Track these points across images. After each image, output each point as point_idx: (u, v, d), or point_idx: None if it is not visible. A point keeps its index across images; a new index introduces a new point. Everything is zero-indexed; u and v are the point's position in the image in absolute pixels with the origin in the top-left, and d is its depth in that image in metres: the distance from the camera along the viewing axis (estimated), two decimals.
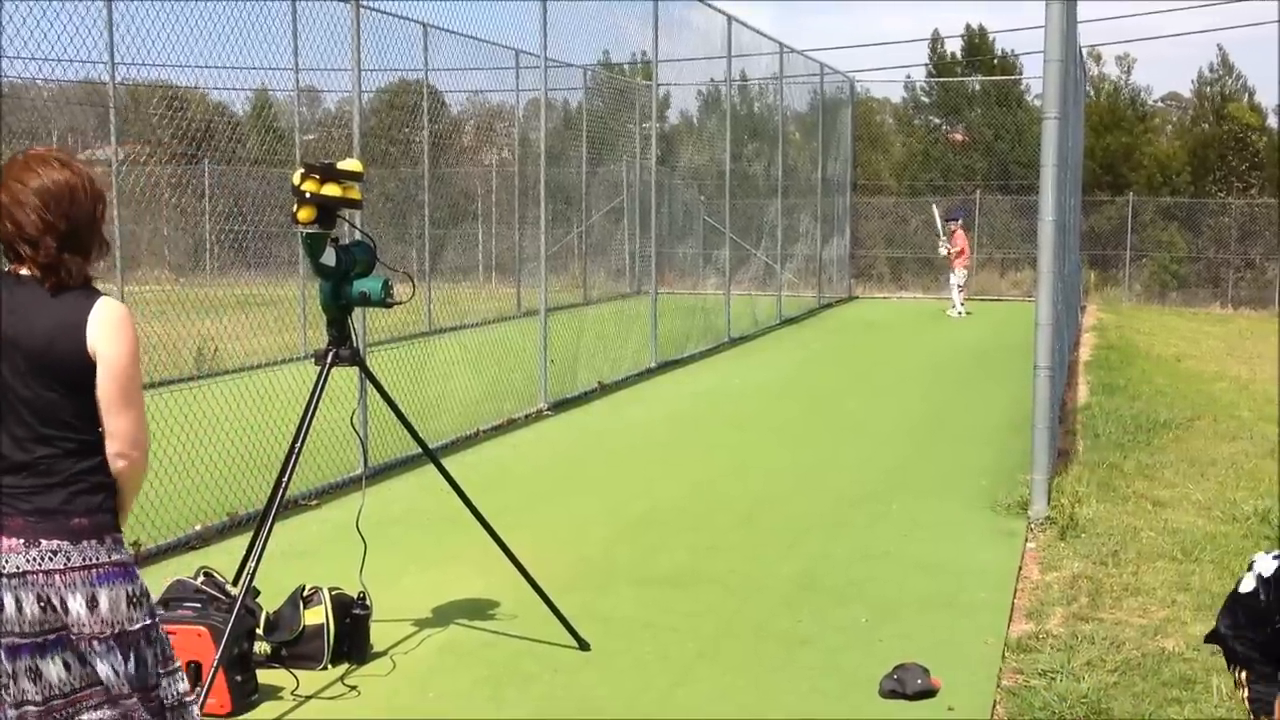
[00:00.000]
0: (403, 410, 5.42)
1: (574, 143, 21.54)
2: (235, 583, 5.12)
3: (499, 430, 10.65)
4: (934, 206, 23.40)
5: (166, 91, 14.86)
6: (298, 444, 4.96)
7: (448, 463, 5.79)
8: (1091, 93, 29.94)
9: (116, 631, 3.06)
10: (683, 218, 21.53)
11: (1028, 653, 5.42)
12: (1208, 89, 31.61)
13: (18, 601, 2.98)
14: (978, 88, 31.04)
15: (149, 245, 19.40)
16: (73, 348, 3.01)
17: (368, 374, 5.24)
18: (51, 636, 3.02)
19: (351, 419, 6.37)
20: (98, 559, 3.06)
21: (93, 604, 3.03)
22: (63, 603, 3.00)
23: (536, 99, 18.50)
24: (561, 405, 11.86)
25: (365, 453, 7.27)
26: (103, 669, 3.05)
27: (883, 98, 34.64)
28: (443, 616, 5.87)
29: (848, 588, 6.40)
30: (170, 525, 6.95)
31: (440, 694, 5.02)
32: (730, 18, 17.38)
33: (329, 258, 4.94)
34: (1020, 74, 31.24)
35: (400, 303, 5.15)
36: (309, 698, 4.95)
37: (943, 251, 22.23)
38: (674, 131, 23.31)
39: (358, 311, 5.63)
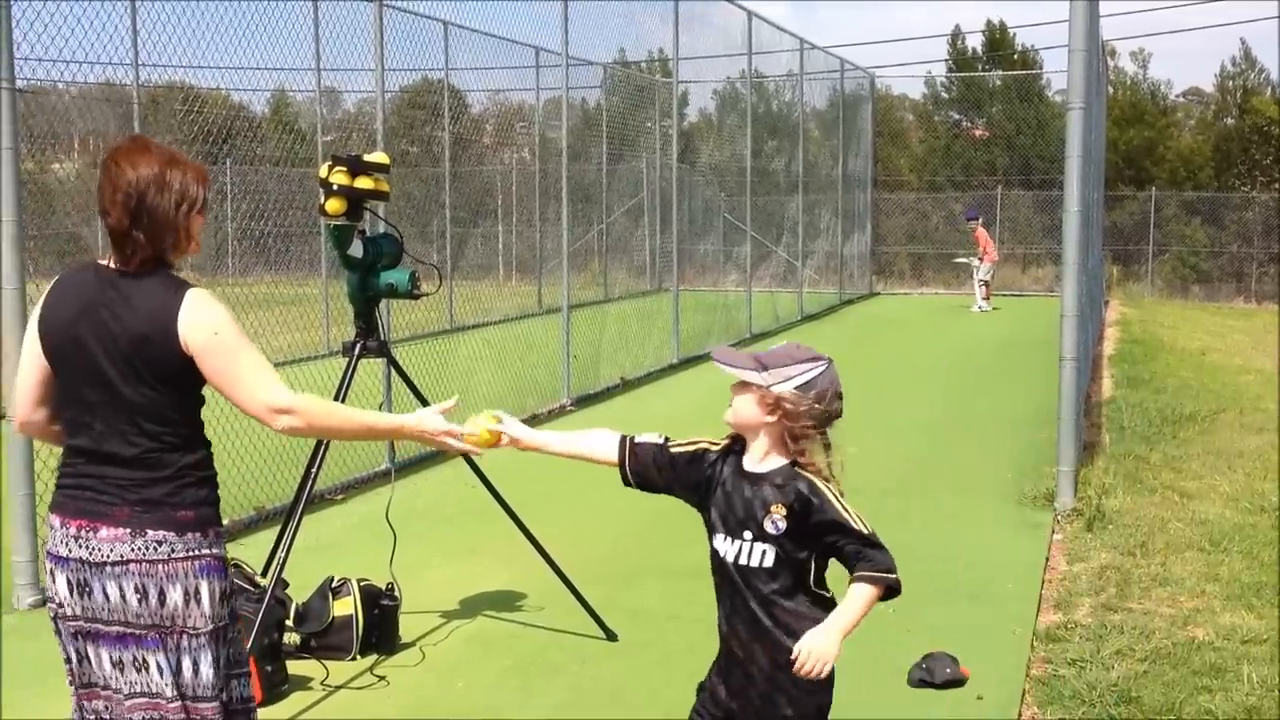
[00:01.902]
0: (429, 402, 5.42)
1: (594, 140, 21.56)
2: (264, 574, 5.14)
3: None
4: (956, 261, 23.54)
5: (187, 92, 14.94)
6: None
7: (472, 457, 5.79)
8: (1111, 89, 29.81)
9: (211, 628, 3.05)
10: (703, 215, 21.51)
11: (1056, 642, 5.40)
12: (1230, 83, 31.42)
13: (120, 590, 2.99)
14: (998, 83, 30.93)
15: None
16: (167, 345, 2.99)
17: (395, 365, 5.25)
18: (147, 632, 3.02)
19: (380, 411, 6.38)
20: (200, 551, 3.04)
21: (193, 596, 3.02)
22: (161, 594, 3.00)
23: (556, 97, 18.53)
24: (585, 400, 11.88)
25: (393, 444, 7.29)
26: (186, 669, 3.04)
27: (901, 94, 34.61)
28: (470, 608, 5.89)
29: None
30: None
31: (468, 684, 5.03)
32: (750, 13, 17.36)
33: (356, 249, 4.96)
34: (1040, 69, 31.15)
35: (427, 294, 5.17)
36: (338, 688, 4.97)
37: (974, 263, 22.23)
38: (694, 128, 23.30)
39: (382, 306, 5.65)
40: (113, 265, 3.05)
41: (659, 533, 7.30)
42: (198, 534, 3.05)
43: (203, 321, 3.00)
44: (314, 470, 4.98)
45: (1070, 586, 6.19)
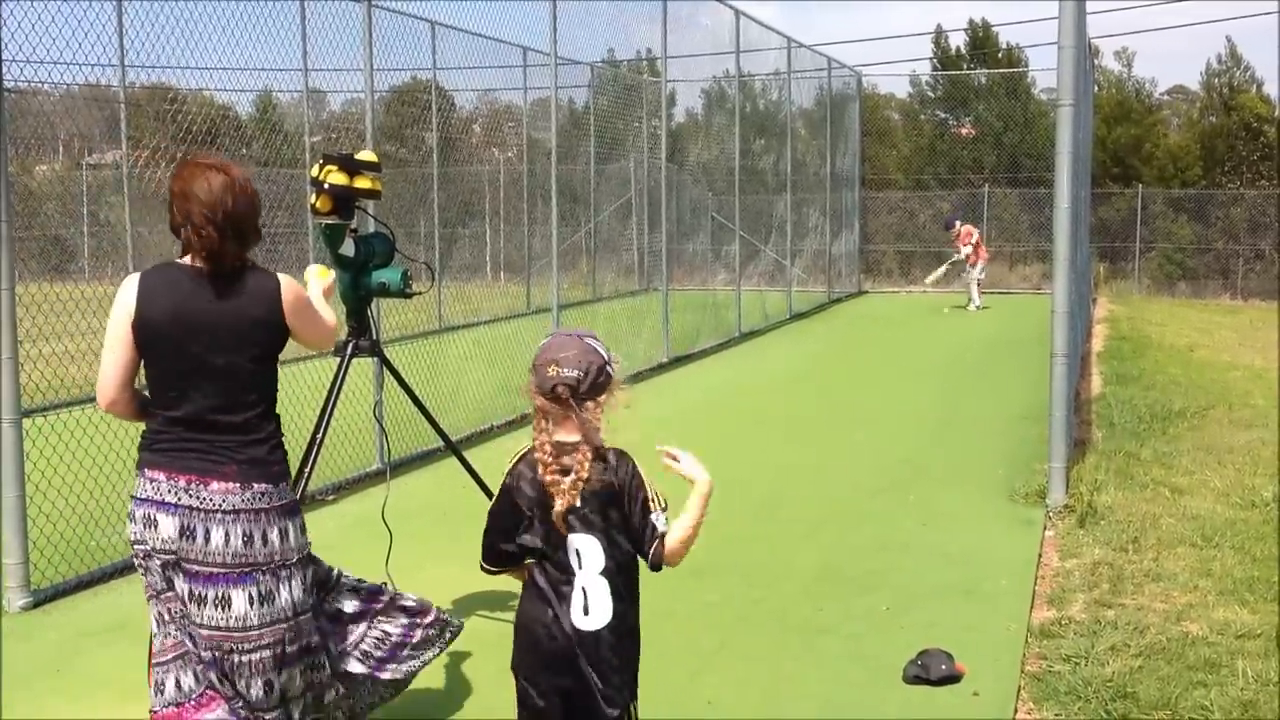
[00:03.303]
0: (422, 402, 5.42)
1: (582, 140, 21.55)
2: None
3: (513, 425, 10.64)
4: (933, 273, 23.34)
5: (171, 94, 14.89)
6: (319, 435, 4.96)
7: (466, 457, 5.78)
8: (1096, 87, 29.88)
9: (298, 557, 3.69)
10: (691, 214, 21.52)
11: (1051, 638, 5.40)
12: (1216, 80, 31.51)
13: (226, 535, 3.55)
14: (983, 81, 30.98)
15: (157, 247, 19.42)
16: (275, 323, 3.68)
17: (387, 364, 5.24)
18: (246, 570, 3.58)
19: (374, 410, 6.37)
20: (286, 498, 3.70)
21: (285, 534, 3.65)
22: (264, 535, 3.60)
23: (544, 97, 18.50)
24: None
25: (386, 443, 7.27)
26: (283, 595, 3.63)
27: (888, 93, 34.63)
28: (464, 608, 5.87)
29: (868, 577, 6.39)
30: None
31: (463, 684, 5.02)
32: (738, 12, 17.36)
33: (348, 248, 4.94)
34: (1025, 66, 31.20)
35: (419, 293, 5.15)
36: None
37: (964, 250, 22.06)
38: (682, 128, 23.30)
39: (373, 305, 5.63)
40: (202, 267, 3.60)
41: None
42: (284, 484, 3.71)
43: (293, 295, 3.73)
44: (308, 470, 4.96)
45: (1063, 583, 6.20)
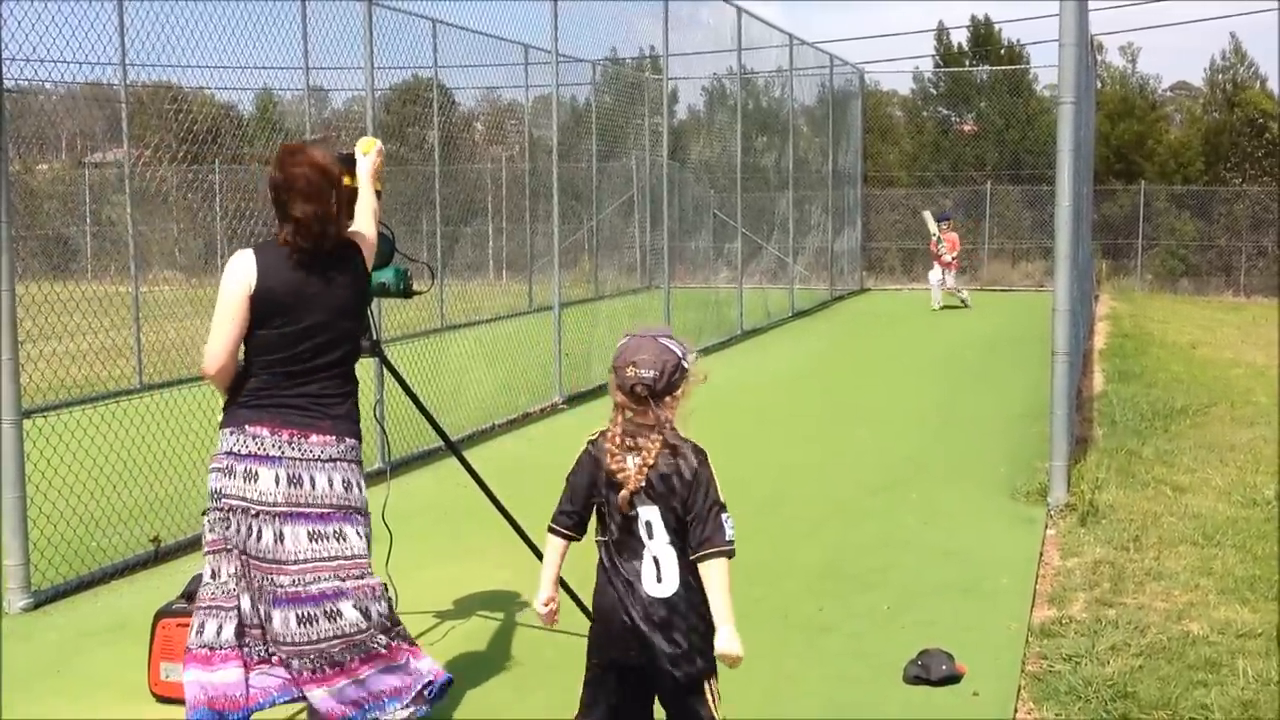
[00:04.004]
0: (423, 402, 5.41)
1: (584, 138, 21.52)
2: None
3: (514, 424, 10.66)
4: (926, 212, 23.20)
5: (174, 93, 14.89)
6: None
7: (465, 456, 5.78)
8: (1100, 83, 29.83)
9: (367, 509, 4.11)
10: (693, 212, 21.50)
11: (1051, 638, 5.40)
12: (1219, 76, 31.45)
13: (329, 479, 3.95)
14: (985, 78, 30.94)
15: (159, 246, 19.43)
16: (365, 280, 4.19)
17: (388, 365, 5.22)
18: (351, 511, 3.99)
19: (374, 410, 6.37)
20: (361, 455, 4.12)
21: (361, 485, 4.07)
22: (357, 483, 4.03)
23: (546, 95, 18.48)
24: (577, 399, 11.86)
25: (386, 443, 7.27)
26: (360, 534, 4.02)
27: (890, 90, 34.58)
28: (465, 608, 5.87)
29: (869, 575, 6.39)
30: (191, 521, 6.96)
31: (463, 684, 5.01)
32: (740, 9, 17.35)
33: None
34: (1027, 63, 31.16)
35: (420, 293, 5.13)
36: None
37: (946, 258, 21.77)
38: (684, 125, 23.28)
39: (374, 305, 5.61)
40: (306, 246, 3.95)
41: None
42: (360, 439, 4.12)
43: (368, 249, 4.24)
44: None
45: (1064, 582, 6.19)
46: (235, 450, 3.91)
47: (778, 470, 8.86)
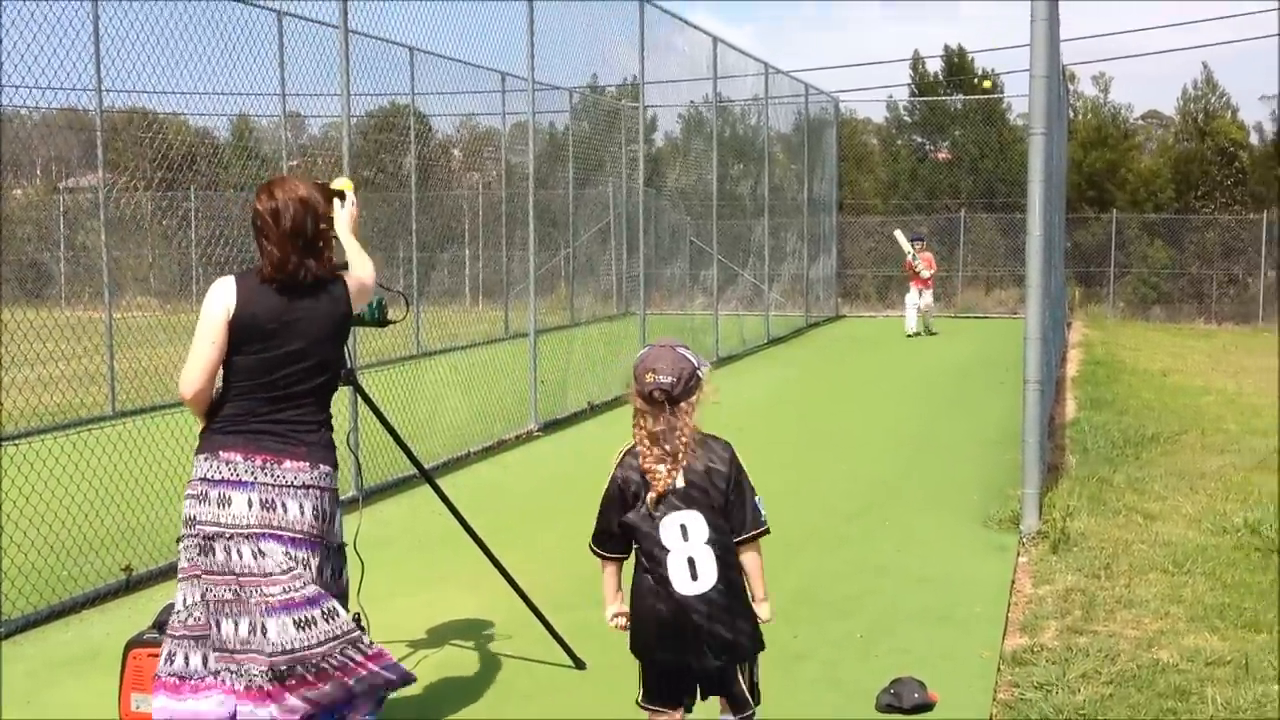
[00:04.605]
0: (397, 432, 5.41)
1: (561, 165, 21.59)
2: None
3: (490, 451, 10.65)
4: (897, 231, 23.42)
5: (149, 119, 14.87)
6: None
7: (439, 484, 5.78)
8: (1073, 113, 30.12)
9: (339, 543, 4.12)
10: (670, 238, 21.58)
11: (1023, 665, 5.42)
12: (1191, 106, 31.81)
13: (300, 506, 3.93)
14: (959, 106, 31.19)
15: (134, 271, 19.37)
16: (346, 316, 4.16)
17: (362, 394, 5.22)
18: (317, 540, 3.97)
19: (347, 439, 6.35)
20: (336, 484, 4.10)
21: (335, 518, 4.06)
22: (329, 514, 4.02)
23: (522, 121, 18.53)
24: (552, 426, 11.86)
25: (360, 473, 7.26)
26: (328, 572, 4.01)
27: (864, 118, 34.83)
28: (438, 637, 5.86)
29: (843, 602, 6.41)
30: (164, 550, 6.93)
31: (436, 714, 5.00)
32: (716, 39, 17.47)
33: None
34: (1001, 93, 31.44)
35: (394, 322, 5.14)
36: None
37: (925, 274, 21.93)
38: (660, 153, 23.38)
39: (349, 333, 5.61)
40: (283, 276, 3.98)
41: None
42: (337, 469, 4.11)
43: (355, 286, 4.23)
44: None
45: (1036, 609, 6.22)
46: (209, 476, 3.92)
47: None
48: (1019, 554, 7.28)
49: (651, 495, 3.69)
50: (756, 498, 3.76)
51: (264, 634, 3.87)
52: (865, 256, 29.97)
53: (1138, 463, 9.84)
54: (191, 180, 15.81)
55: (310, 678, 3.92)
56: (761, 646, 3.82)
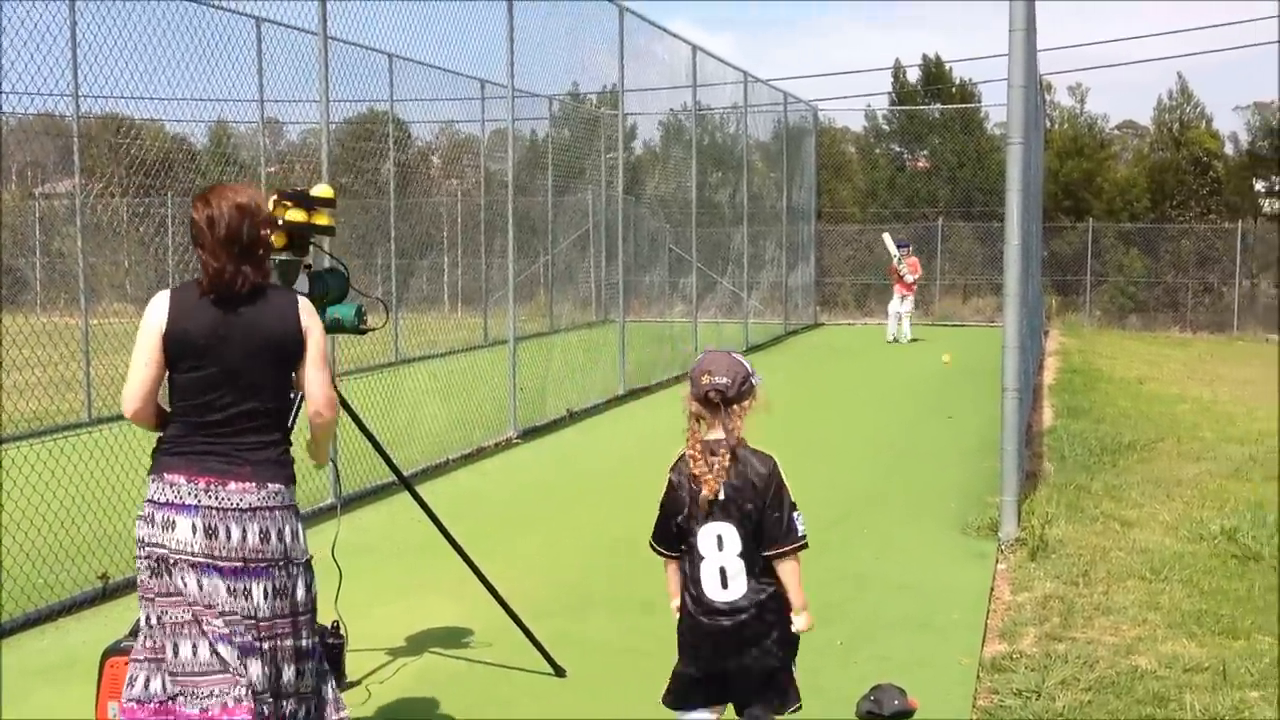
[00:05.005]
0: (376, 438, 5.40)
1: (540, 172, 21.58)
2: None
3: (469, 459, 10.62)
4: (885, 235, 23.54)
5: (124, 124, 14.80)
6: None
7: (418, 491, 5.76)
8: (1049, 122, 30.30)
9: (306, 558, 3.94)
10: (649, 246, 21.60)
11: (1002, 672, 5.44)
12: (1166, 116, 32.03)
13: (244, 531, 3.78)
14: (937, 115, 31.33)
15: (110, 278, 19.26)
16: (295, 335, 3.90)
17: (341, 401, 5.20)
18: (263, 565, 3.80)
19: None
20: (293, 500, 3.93)
21: (296, 534, 3.90)
22: (279, 533, 3.84)
23: (501, 129, 18.51)
24: (531, 433, 11.85)
25: (338, 480, 7.23)
26: (299, 592, 3.89)
27: (842, 126, 34.95)
28: (417, 645, 5.84)
29: (823, 609, 6.37)
30: None
31: None
32: (695, 47, 17.50)
33: (302, 285, 4.91)
34: (979, 102, 31.60)
35: (374, 329, 5.13)
36: None
37: (910, 279, 22.14)
38: (639, 160, 23.40)
39: (329, 339, 5.60)
40: (218, 287, 3.82)
41: (609, 566, 7.29)
42: (293, 486, 3.94)
43: (313, 318, 3.98)
44: None
45: (1015, 616, 6.24)
46: (155, 498, 3.82)
47: None
48: (998, 561, 7.30)
49: (704, 495, 3.82)
50: (796, 512, 3.86)
51: (222, 660, 3.77)
52: (844, 264, 30.06)
53: (1115, 470, 9.88)
54: (168, 186, 15.72)
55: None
56: (793, 651, 3.95)
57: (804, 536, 3.87)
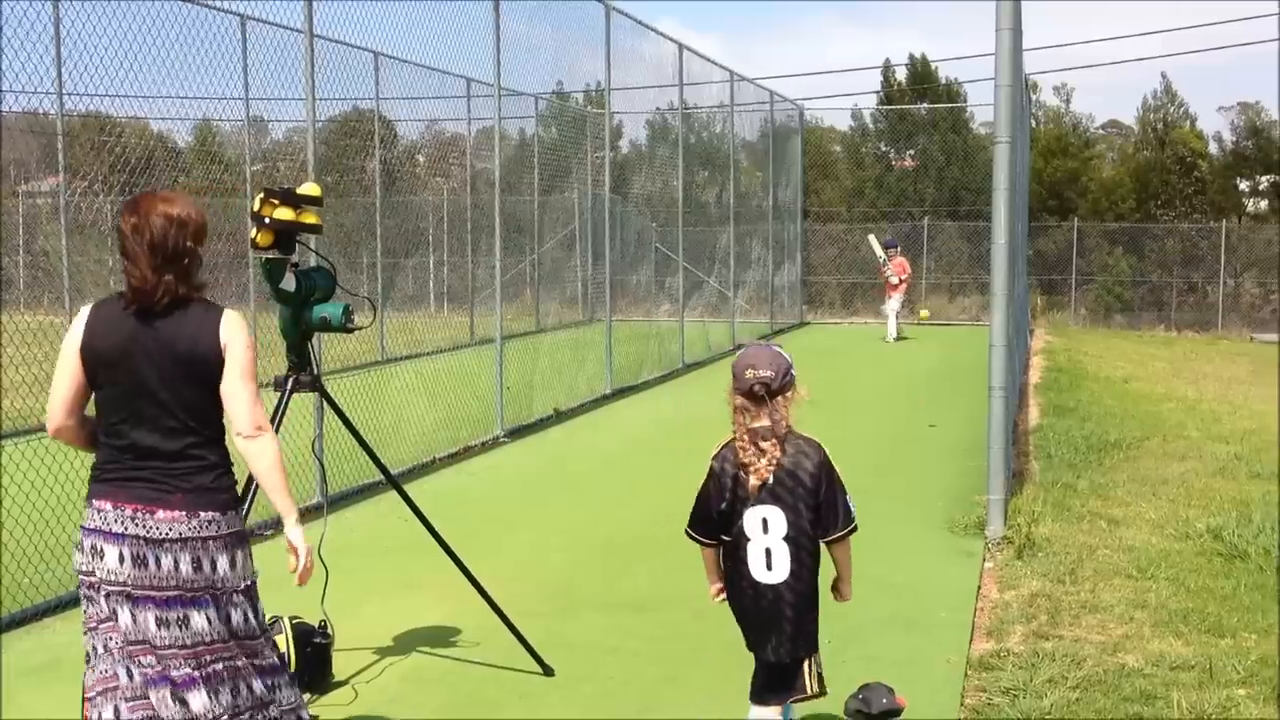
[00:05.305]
0: (363, 437, 5.38)
1: (527, 171, 21.56)
2: None
3: (455, 458, 10.60)
4: (870, 236, 23.63)
5: (107, 123, 14.73)
6: None
7: (406, 491, 5.75)
8: (1034, 122, 30.37)
9: (246, 584, 3.75)
10: (635, 245, 21.59)
11: (990, 671, 5.45)
12: (1151, 116, 32.14)
13: (175, 561, 3.61)
14: (924, 114, 31.38)
15: (94, 276, 19.17)
16: (211, 351, 3.67)
17: (328, 399, 5.19)
18: (200, 593, 3.64)
19: (313, 446, 6.32)
20: (234, 526, 3.74)
21: (234, 562, 3.71)
22: (213, 563, 3.66)
23: (488, 127, 18.51)
24: (518, 432, 11.83)
25: (324, 479, 7.21)
26: (236, 618, 3.71)
27: (828, 125, 34.99)
28: (405, 645, 5.83)
29: None
30: None
31: None
32: (681, 46, 17.49)
33: (289, 283, 4.90)
34: (964, 101, 31.67)
35: (361, 328, 5.11)
36: None
37: (894, 280, 22.26)
38: (626, 159, 23.39)
39: (315, 339, 5.59)
40: (137, 298, 3.65)
41: (598, 565, 7.28)
42: (232, 512, 3.74)
43: (237, 333, 3.73)
44: (247, 508, 4.89)
45: (1002, 614, 6.25)
46: (86, 524, 3.67)
47: None
48: (985, 560, 7.31)
49: (753, 483, 3.96)
50: (847, 495, 4.06)
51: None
52: (830, 263, 30.09)
53: (1101, 469, 9.91)
54: (152, 185, 15.66)
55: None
56: (814, 646, 4.18)
57: (855, 519, 4.08)
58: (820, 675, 4.19)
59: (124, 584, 3.61)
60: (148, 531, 3.61)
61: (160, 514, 3.62)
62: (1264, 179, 32.72)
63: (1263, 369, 19.40)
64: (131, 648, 3.64)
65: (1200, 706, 4.96)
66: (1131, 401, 14.37)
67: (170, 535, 3.62)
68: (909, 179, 30.96)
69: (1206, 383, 17.07)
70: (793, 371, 4.11)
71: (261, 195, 4.80)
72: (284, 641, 5.14)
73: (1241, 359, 21.79)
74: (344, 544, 7.27)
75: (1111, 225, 30.22)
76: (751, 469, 3.97)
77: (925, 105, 31.58)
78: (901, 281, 22.22)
